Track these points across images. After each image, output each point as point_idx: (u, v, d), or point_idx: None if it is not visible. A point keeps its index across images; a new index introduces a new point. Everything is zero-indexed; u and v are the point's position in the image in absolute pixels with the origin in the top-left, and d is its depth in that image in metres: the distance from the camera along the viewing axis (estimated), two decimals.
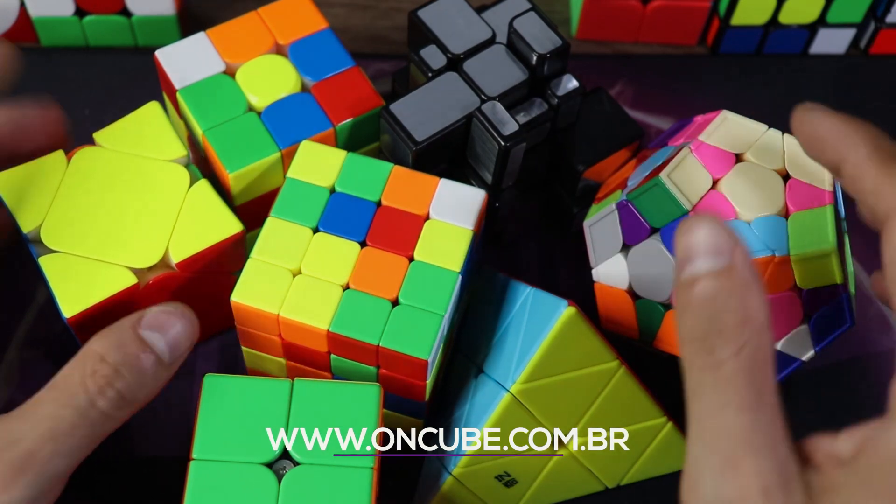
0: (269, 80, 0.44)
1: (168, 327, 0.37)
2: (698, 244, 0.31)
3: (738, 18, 0.55)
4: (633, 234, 0.42)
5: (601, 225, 0.44)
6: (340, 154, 0.42)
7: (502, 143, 0.42)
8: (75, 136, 0.44)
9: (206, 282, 0.43)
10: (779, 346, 0.42)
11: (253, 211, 0.44)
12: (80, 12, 0.53)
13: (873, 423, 0.30)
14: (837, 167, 0.32)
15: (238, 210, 0.44)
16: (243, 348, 0.42)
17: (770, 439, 0.29)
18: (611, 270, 0.43)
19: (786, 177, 0.41)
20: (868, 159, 0.30)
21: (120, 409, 0.35)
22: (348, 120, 0.44)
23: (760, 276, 0.30)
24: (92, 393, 0.35)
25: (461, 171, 0.45)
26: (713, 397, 0.30)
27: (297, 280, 0.39)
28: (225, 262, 0.43)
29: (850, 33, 0.57)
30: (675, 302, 0.31)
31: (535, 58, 0.44)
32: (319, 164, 0.42)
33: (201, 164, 0.44)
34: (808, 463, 0.30)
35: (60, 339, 0.46)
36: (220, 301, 0.40)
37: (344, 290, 0.39)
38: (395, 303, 0.39)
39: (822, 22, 0.56)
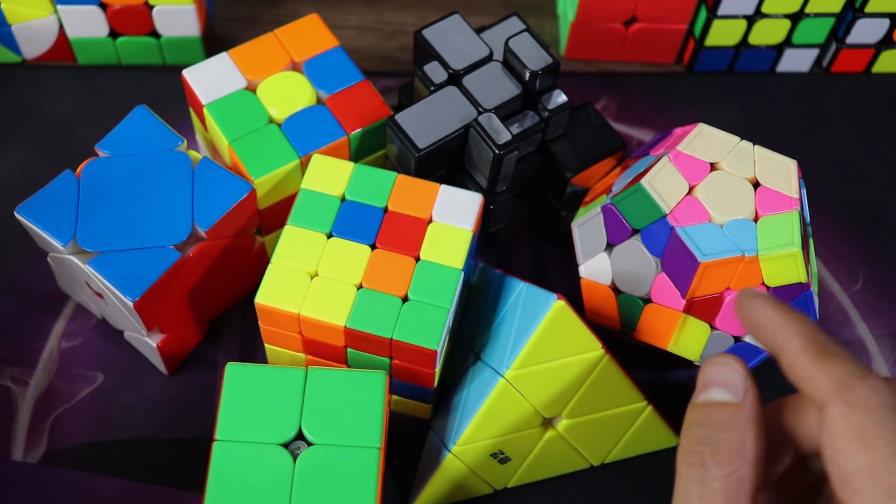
0: (287, 94, 0.44)
1: None
2: (721, 376, 0.31)
3: (712, 40, 0.55)
4: (616, 235, 0.42)
5: (587, 226, 0.43)
6: (349, 165, 0.42)
7: (496, 151, 0.42)
8: None
9: (233, 247, 0.42)
10: (748, 338, 0.42)
11: (277, 213, 0.44)
12: (113, 34, 0.53)
13: None
14: (776, 353, 0.31)
15: (263, 213, 0.44)
16: (266, 346, 0.42)
17: None
18: (596, 267, 0.43)
19: (756, 184, 0.41)
20: (802, 351, 0.30)
21: None
22: (361, 129, 0.44)
23: (761, 416, 0.31)
24: None
25: (459, 177, 0.45)
26: None
27: (314, 282, 0.39)
28: (244, 222, 0.42)
29: (813, 53, 0.57)
30: (686, 418, 0.31)
31: (527, 74, 0.43)
32: (330, 176, 0.42)
33: None
34: None
35: (95, 330, 0.46)
36: (247, 262, 0.39)
37: (358, 290, 0.39)
38: (405, 299, 0.39)
39: (788, 43, 0.56)
